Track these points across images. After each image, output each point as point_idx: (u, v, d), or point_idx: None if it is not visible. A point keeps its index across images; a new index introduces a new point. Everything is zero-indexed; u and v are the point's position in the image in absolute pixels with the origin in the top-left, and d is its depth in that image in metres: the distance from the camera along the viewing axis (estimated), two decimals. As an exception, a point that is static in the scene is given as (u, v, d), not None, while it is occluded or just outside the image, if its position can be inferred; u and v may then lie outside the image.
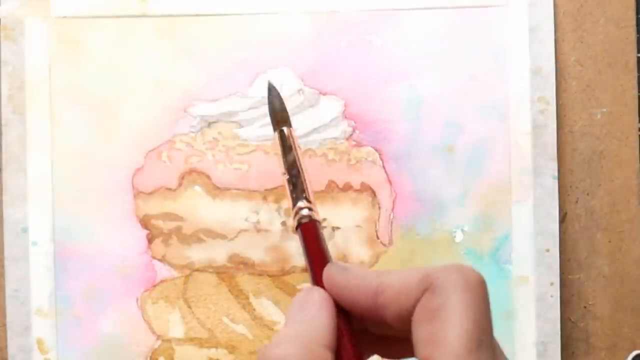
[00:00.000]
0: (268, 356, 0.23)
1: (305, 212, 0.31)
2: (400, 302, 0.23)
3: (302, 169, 0.33)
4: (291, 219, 0.32)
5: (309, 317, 0.25)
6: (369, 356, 0.28)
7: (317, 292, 0.26)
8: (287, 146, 0.34)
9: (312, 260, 0.28)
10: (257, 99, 0.41)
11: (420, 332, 0.22)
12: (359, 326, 0.27)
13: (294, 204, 0.32)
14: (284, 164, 0.34)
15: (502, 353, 0.23)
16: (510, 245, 0.41)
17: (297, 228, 0.31)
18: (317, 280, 0.27)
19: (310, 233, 0.30)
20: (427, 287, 0.23)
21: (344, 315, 0.26)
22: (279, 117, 0.36)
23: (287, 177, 0.33)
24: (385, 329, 0.26)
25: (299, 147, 0.34)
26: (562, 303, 0.41)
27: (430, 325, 0.22)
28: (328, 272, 0.26)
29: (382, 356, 0.28)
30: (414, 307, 0.23)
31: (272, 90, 0.39)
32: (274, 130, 0.36)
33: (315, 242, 0.29)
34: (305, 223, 0.30)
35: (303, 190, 0.32)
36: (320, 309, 0.25)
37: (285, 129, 0.35)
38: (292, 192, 0.32)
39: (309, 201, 0.31)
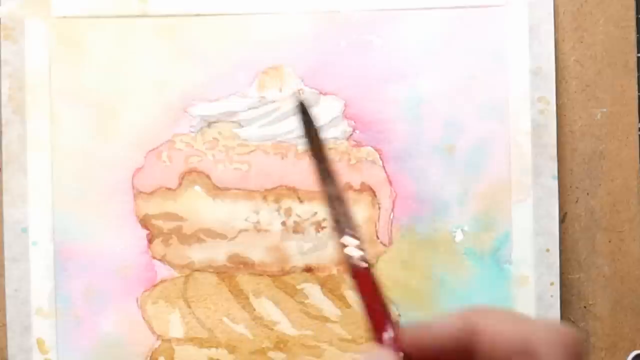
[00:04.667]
0: None
1: (355, 253, 0.27)
2: (494, 354, 0.22)
3: (344, 199, 0.29)
4: (337, 250, 0.29)
5: None
6: None
7: (385, 357, 0.25)
8: (326, 175, 0.30)
9: (373, 316, 0.26)
10: (257, 99, 0.41)
11: None
12: None
13: (339, 237, 0.28)
14: (325, 194, 0.29)
15: None
16: (510, 245, 0.41)
17: (349, 272, 0.28)
18: (379, 338, 0.26)
19: (367, 284, 0.27)
20: (525, 350, 0.22)
21: None
22: (315, 143, 0.31)
23: (329, 208, 0.29)
24: None
25: (336, 173, 0.30)
26: (562, 303, 0.41)
27: None
28: (408, 335, 0.25)
29: None
30: None
31: (305, 111, 0.32)
32: (310, 157, 0.31)
33: (374, 296, 0.27)
34: (361, 271, 0.27)
35: (348, 224, 0.28)
36: None
37: (323, 155, 0.30)
38: (335, 224, 0.29)
39: (356, 238, 0.28)
